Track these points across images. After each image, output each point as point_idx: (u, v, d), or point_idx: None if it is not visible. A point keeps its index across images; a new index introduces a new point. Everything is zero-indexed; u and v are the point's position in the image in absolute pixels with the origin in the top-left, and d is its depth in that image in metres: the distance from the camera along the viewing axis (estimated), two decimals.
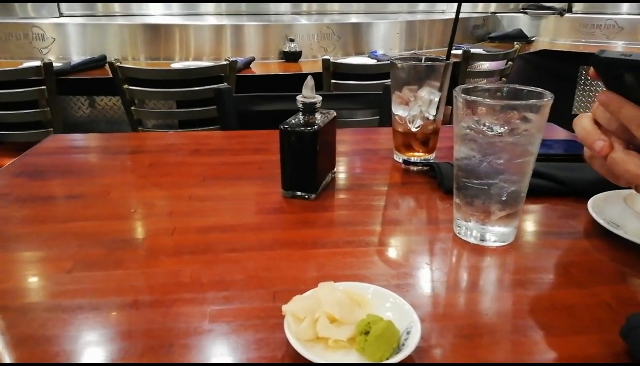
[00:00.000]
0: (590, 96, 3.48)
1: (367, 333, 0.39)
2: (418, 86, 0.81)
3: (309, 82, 0.70)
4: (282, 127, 0.69)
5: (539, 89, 0.55)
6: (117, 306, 0.47)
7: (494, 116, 0.54)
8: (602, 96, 0.40)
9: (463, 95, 0.55)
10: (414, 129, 0.83)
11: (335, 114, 0.76)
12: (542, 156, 0.83)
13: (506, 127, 0.53)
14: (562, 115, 1.03)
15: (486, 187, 0.56)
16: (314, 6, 3.38)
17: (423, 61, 0.83)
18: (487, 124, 0.54)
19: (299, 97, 0.70)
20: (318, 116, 0.72)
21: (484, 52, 2.80)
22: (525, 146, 0.54)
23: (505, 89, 0.58)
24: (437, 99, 0.81)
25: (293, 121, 0.70)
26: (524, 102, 0.53)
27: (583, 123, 0.43)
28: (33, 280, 0.52)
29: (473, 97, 0.54)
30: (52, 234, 0.61)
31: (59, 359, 0.40)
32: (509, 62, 2.75)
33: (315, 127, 0.69)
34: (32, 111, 2.04)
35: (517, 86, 0.57)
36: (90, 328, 0.44)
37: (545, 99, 0.53)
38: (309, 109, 0.71)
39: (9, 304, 0.47)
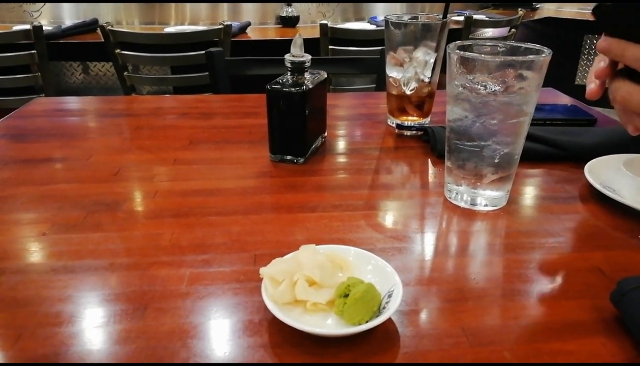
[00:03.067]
0: None
1: (346, 296, 0.37)
2: (413, 46, 0.78)
3: (298, 40, 0.67)
4: (269, 87, 0.66)
5: (538, 46, 0.52)
6: (92, 269, 0.45)
7: (489, 74, 0.51)
8: (602, 42, 0.39)
9: (457, 51, 0.52)
10: (408, 92, 0.80)
11: (326, 75, 0.73)
12: (542, 120, 0.81)
13: (501, 86, 0.50)
14: (566, 84, 1.00)
15: (478, 149, 0.53)
16: None
17: (419, 19, 0.79)
18: (481, 82, 0.51)
19: (287, 56, 0.67)
20: (307, 76, 0.69)
21: (487, 19, 2.72)
22: (520, 106, 0.51)
23: (502, 46, 0.55)
24: (432, 60, 0.77)
25: (281, 81, 0.67)
26: (520, 58, 0.50)
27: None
28: (6, 243, 0.50)
29: (467, 53, 0.51)
30: (30, 197, 0.59)
31: (26, 323, 0.38)
32: (512, 29, 2.68)
33: (304, 87, 0.66)
34: (23, 75, 2.00)
35: (514, 43, 0.54)
36: (61, 291, 0.42)
37: (542, 56, 0.50)
38: (298, 68, 0.68)
39: None
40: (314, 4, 2.88)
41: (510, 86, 0.50)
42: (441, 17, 0.77)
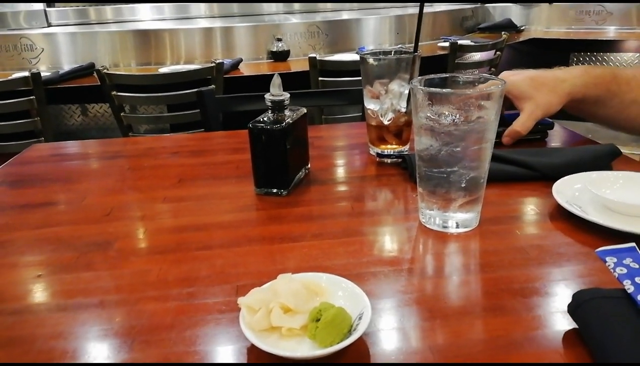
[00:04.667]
0: None
1: (318, 320, 0.40)
2: (389, 79, 0.82)
3: (276, 80, 0.71)
4: (250, 125, 0.70)
5: (493, 77, 0.56)
6: (84, 307, 0.48)
7: (450, 105, 0.55)
8: None
9: (420, 86, 0.56)
10: (386, 122, 0.84)
11: (305, 110, 0.77)
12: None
13: (461, 116, 0.54)
14: None
15: (446, 175, 0.57)
16: (306, 5, 3.39)
17: (393, 54, 0.84)
18: (444, 114, 0.55)
19: (267, 96, 0.71)
20: (287, 112, 0.73)
21: (473, 44, 2.81)
22: (481, 133, 0.55)
23: (462, 77, 0.59)
24: (407, 91, 0.81)
25: (262, 119, 0.71)
26: (473, 91, 0.54)
27: None
28: (3, 286, 0.53)
29: (429, 89, 0.55)
30: (26, 241, 0.62)
31: (22, 358, 0.41)
32: (498, 52, 2.76)
33: (284, 124, 0.70)
34: (23, 121, 2.06)
35: (477, 74, 0.58)
36: (54, 328, 0.45)
37: (500, 87, 0.53)
38: (278, 106, 0.72)
39: None
40: (304, 38, 2.97)
41: (470, 115, 0.54)
42: (413, 50, 0.82)
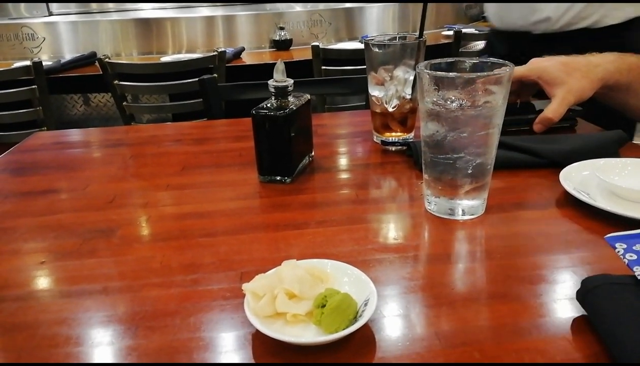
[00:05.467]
0: None
1: (323, 306, 0.39)
2: (393, 65, 0.81)
3: (280, 66, 0.70)
4: (254, 111, 0.69)
5: (502, 61, 0.55)
6: (87, 293, 0.48)
7: (456, 90, 0.54)
8: None
9: (426, 70, 0.55)
10: (390, 109, 0.83)
11: (309, 97, 0.76)
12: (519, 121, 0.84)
13: (468, 101, 0.53)
14: None
15: (452, 161, 0.56)
16: None
17: (397, 40, 0.83)
18: (450, 98, 0.54)
19: (270, 82, 0.70)
20: (291, 99, 0.72)
21: (476, 32, 2.78)
22: (489, 118, 0.54)
23: (469, 62, 0.58)
24: (412, 78, 0.81)
25: (265, 105, 0.70)
26: (482, 73, 0.53)
27: None
28: (7, 272, 0.52)
29: (436, 73, 0.54)
30: (29, 228, 0.62)
31: (25, 345, 0.41)
32: None
33: (287, 110, 0.69)
34: (25, 110, 2.06)
35: (483, 59, 0.57)
36: (58, 314, 0.45)
37: (504, 70, 0.53)
38: (281, 93, 0.71)
39: None
40: (307, 27, 2.94)
41: (477, 100, 0.53)
42: (418, 36, 0.81)
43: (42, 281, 0.51)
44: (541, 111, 0.82)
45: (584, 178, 0.64)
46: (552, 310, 0.43)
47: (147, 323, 0.43)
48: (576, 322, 0.41)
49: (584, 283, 0.41)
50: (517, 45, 1.13)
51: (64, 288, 0.49)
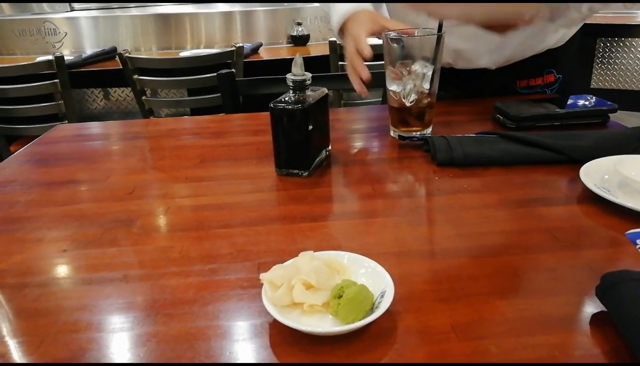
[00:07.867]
0: (609, 69, 3.38)
1: (340, 297, 0.40)
2: (411, 60, 0.81)
3: (298, 60, 0.71)
4: (272, 105, 0.70)
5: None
6: (108, 281, 0.49)
7: None
8: None
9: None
10: (408, 104, 0.82)
11: (326, 91, 0.76)
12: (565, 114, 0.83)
13: None
14: (581, 89, 1.01)
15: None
16: None
17: (416, 34, 0.82)
18: None
19: (289, 76, 0.71)
20: (309, 93, 0.72)
21: None
22: None
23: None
24: (430, 73, 0.80)
25: (283, 99, 0.71)
26: None
27: None
28: (30, 260, 0.54)
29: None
30: (52, 217, 0.63)
31: (48, 330, 0.42)
32: None
33: (305, 104, 0.69)
34: (47, 104, 2.09)
35: None
36: (79, 301, 0.46)
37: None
38: (299, 86, 0.71)
39: (6, 281, 0.50)
40: (324, 22, 2.94)
41: None
42: (437, 30, 0.80)
43: (64, 269, 0.52)
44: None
45: (605, 174, 0.63)
46: (570, 306, 0.42)
47: (166, 311, 0.44)
48: (595, 318, 0.40)
49: (604, 278, 0.41)
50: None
51: (86, 276, 0.50)
